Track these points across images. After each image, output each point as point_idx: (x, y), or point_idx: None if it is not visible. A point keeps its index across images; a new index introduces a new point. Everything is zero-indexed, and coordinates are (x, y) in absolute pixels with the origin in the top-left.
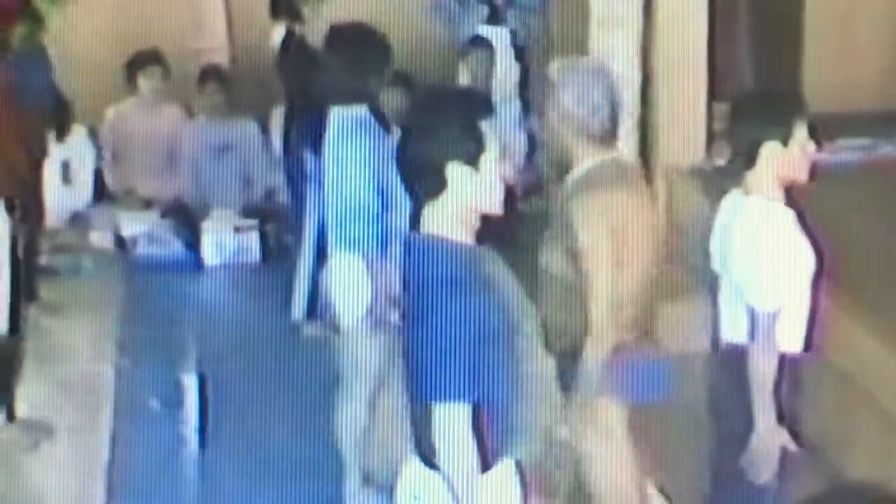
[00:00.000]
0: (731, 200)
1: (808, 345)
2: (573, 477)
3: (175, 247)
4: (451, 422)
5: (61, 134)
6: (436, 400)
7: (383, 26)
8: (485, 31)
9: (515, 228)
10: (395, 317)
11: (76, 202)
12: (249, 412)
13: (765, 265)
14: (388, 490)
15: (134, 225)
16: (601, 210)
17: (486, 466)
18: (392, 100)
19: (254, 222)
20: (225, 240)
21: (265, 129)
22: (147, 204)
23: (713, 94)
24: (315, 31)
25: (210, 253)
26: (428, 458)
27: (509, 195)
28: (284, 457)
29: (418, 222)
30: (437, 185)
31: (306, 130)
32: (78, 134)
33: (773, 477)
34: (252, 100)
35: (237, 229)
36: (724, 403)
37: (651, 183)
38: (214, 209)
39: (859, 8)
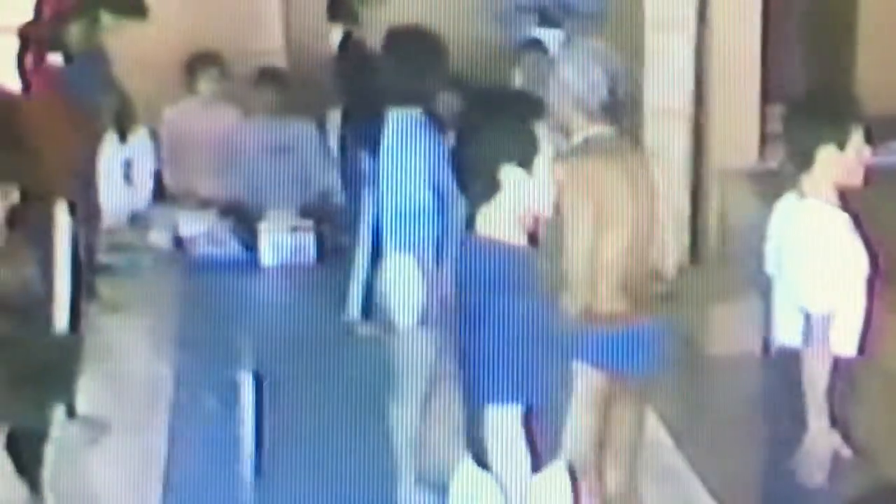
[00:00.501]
0: (786, 204)
1: (861, 348)
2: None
3: (232, 247)
4: (504, 423)
5: (123, 134)
6: (489, 401)
7: (439, 29)
8: (540, 33)
9: None
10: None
11: (136, 202)
12: (304, 412)
13: (819, 268)
14: (442, 490)
15: (192, 225)
16: (585, 175)
17: (537, 468)
18: (447, 102)
19: (310, 223)
20: (281, 240)
21: (322, 131)
22: (205, 204)
23: (766, 97)
24: (372, 34)
25: (267, 253)
26: (481, 458)
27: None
28: (338, 456)
29: (473, 224)
30: (491, 187)
31: (363, 132)
32: (139, 134)
33: (825, 479)
34: (309, 101)
35: (293, 230)
36: (777, 406)
37: (645, 164)
38: (271, 210)
39: None
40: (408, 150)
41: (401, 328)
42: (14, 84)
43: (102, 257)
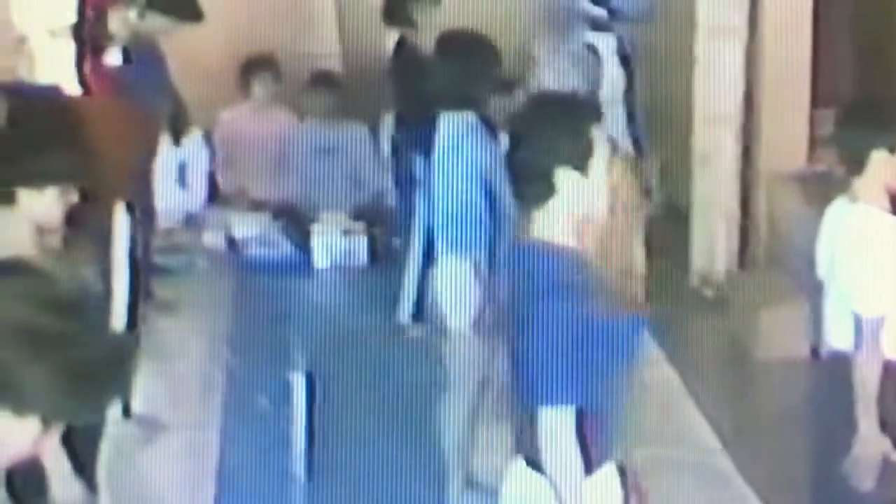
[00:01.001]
0: (838, 208)
1: None
2: None
3: (285, 248)
4: (557, 425)
5: (177, 137)
6: (542, 403)
7: (492, 33)
8: (591, 37)
9: None
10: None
11: (190, 204)
12: (355, 412)
13: (871, 272)
14: (491, 492)
15: (245, 227)
16: None
17: (588, 470)
18: (499, 105)
19: (362, 225)
20: (334, 242)
21: (375, 134)
22: (258, 206)
23: (815, 102)
24: (426, 38)
25: (319, 255)
26: (533, 460)
27: None
28: (388, 458)
29: (527, 227)
30: (546, 190)
31: (416, 135)
32: (193, 137)
33: (875, 484)
34: (363, 104)
35: (346, 232)
36: (826, 410)
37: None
38: (323, 212)
39: None
40: (460, 153)
41: (452, 331)
42: (73, 87)
43: (157, 258)
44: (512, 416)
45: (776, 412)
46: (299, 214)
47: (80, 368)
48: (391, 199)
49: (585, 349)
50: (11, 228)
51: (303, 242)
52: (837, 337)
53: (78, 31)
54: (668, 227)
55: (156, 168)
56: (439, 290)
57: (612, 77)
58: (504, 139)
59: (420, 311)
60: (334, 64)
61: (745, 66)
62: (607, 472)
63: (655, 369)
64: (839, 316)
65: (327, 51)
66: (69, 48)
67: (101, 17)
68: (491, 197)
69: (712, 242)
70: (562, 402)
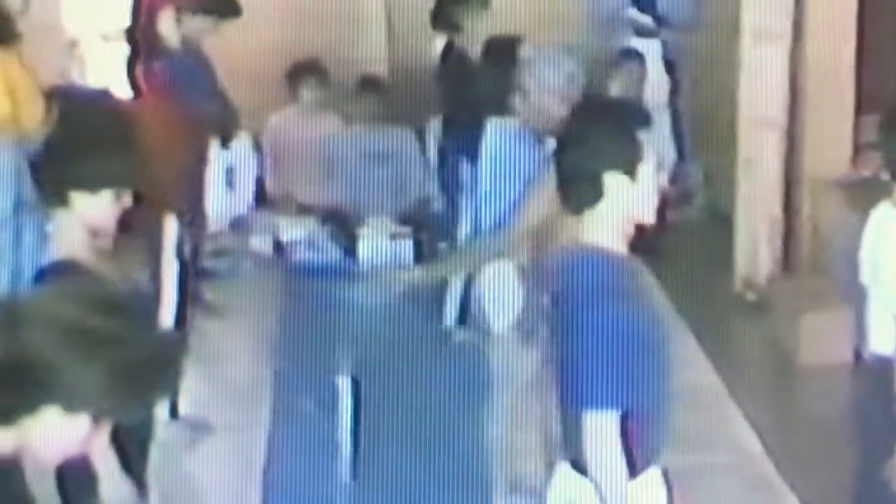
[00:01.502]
0: (882, 212)
1: None
2: None
3: (331, 252)
4: (602, 429)
5: (226, 141)
6: (587, 407)
7: (538, 38)
8: (636, 43)
9: (661, 238)
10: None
11: (238, 207)
12: (400, 416)
13: None
14: (535, 496)
15: (292, 230)
16: None
17: (633, 473)
18: None
19: (408, 229)
20: (380, 246)
21: (421, 139)
22: (305, 210)
23: (860, 106)
24: (474, 43)
25: (365, 259)
26: (578, 464)
27: (661, 205)
28: (433, 461)
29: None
30: (594, 194)
31: (462, 140)
32: (242, 141)
33: None
34: (409, 109)
35: (392, 236)
36: (869, 415)
37: None
38: (370, 216)
39: None
40: (506, 158)
41: (497, 334)
42: (124, 90)
43: (206, 262)
44: (557, 420)
45: (818, 416)
46: (346, 219)
47: (129, 368)
48: (437, 204)
49: (631, 353)
50: (65, 230)
51: (349, 246)
52: (880, 341)
53: (131, 35)
54: (711, 231)
55: (208, 172)
56: (483, 293)
57: (658, 82)
58: (550, 144)
59: (465, 314)
60: (381, 69)
61: (790, 70)
62: (651, 476)
63: (698, 373)
64: (882, 320)
65: (374, 56)
66: (121, 51)
67: (153, 21)
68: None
69: (756, 247)
70: (607, 406)
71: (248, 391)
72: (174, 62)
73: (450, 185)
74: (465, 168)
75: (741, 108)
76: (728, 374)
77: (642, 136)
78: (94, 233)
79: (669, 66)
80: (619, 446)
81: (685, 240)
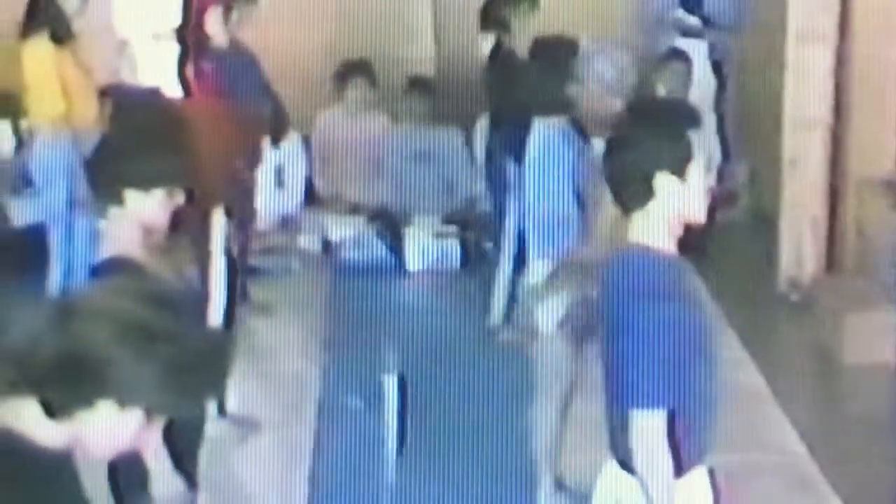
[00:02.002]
0: None
1: None
2: None
3: (379, 251)
4: (649, 428)
5: (276, 140)
6: (635, 406)
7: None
8: (682, 43)
9: (706, 238)
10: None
11: (287, 206)
12: (445, 415)
13: None
14: (580, 495)
15: (340, 229)
16: None
17: (679, 472)
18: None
19: (454, 229)
20: (426, 245)
21: (468, 138)
22: (353, 209)
23: None
24: (523, 43)
25: (412, 258)
26: (625, 462)
27: (708, 205)
28: (479, 460)
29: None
30: (644, 194)
31: (509, 140)
32: (291, 140)
33: None
34: (457, 109)
35: (439, 235)
36: None
37: None
38: (417, 215)
39: None
40: (553, 159)
41: (542, 334)
42: (175, 89)
43: (254, 260)
44: (605, 418)
45: (862, 416)
46: (393, 218)
47: (181, 364)
48: (484, 204)
49: (679, 353)
50: (118, 228)
51: (396, 245)
52: None
53: (181, 34)
54: (755, 232)
55: (259, 171)
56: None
57: (704, 82)
58: (597, 144)
59: (511, 314)
60: (429, 69)
61: (835, 71)
62: (698, 475)
63: (742, 373)
64: None
65: (422, 56)
66: (172, 51)
67: (202, 20)
68: (582, 201)
69: (800, 247)
70: (655, 406)
71: (294, 389)
72: (224, 62)
73: (496, 185)
74: (511, 168)
75: (786, 108)
76: (771, 374)
77: (692, 136)
78: (147, 230)
79: (715, 67)
80: (666, 446)
81: (730, 240)
